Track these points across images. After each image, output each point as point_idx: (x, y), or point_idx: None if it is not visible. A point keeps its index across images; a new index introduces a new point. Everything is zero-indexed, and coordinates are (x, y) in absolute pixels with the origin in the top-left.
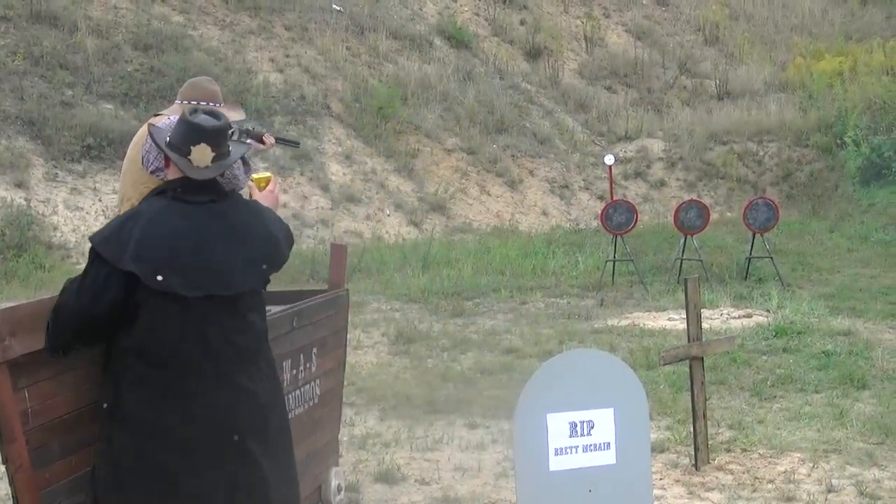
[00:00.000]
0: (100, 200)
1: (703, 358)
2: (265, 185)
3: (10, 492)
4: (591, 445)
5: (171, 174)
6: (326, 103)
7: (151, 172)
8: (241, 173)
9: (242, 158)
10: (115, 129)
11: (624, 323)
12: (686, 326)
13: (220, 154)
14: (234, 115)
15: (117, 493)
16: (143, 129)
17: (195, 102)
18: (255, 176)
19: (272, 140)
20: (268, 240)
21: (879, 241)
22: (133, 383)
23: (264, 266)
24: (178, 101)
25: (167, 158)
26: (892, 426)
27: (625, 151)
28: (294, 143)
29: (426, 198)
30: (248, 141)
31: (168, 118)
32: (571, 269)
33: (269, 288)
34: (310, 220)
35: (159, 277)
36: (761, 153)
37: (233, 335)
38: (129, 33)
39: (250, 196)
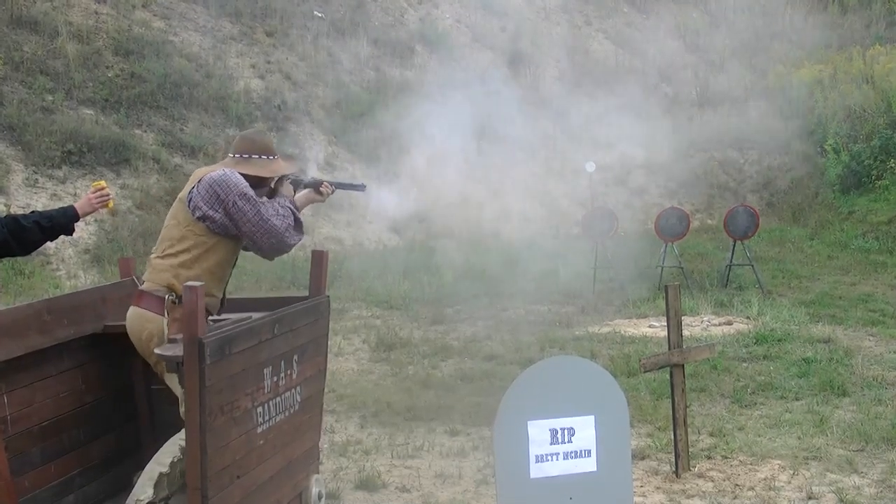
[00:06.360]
0: None
1: (683, 365)
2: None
3: None
4: (571, 452)
5: None
6: (307, 109)
7: (197, 218)
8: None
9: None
10: (95, 134)
11: (605, 330)
12: (667, 333)
13: None
14: (289, 168)
15: None
16: (195, 174)
17: (247, 156)
18: (94, 182)
19: (330, 189)
20: None
21: (859, 249)
22: None
23: None
24: (231, 154)
25: None
26: (872, 433)
27: (605, 158)
28: (358, 187)
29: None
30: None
31: (222, 170)
32: (552, 275)
33: (250, 294)
34: None
35: None
36: (741, 160)
37: None
38: (109, 39)
39: None
